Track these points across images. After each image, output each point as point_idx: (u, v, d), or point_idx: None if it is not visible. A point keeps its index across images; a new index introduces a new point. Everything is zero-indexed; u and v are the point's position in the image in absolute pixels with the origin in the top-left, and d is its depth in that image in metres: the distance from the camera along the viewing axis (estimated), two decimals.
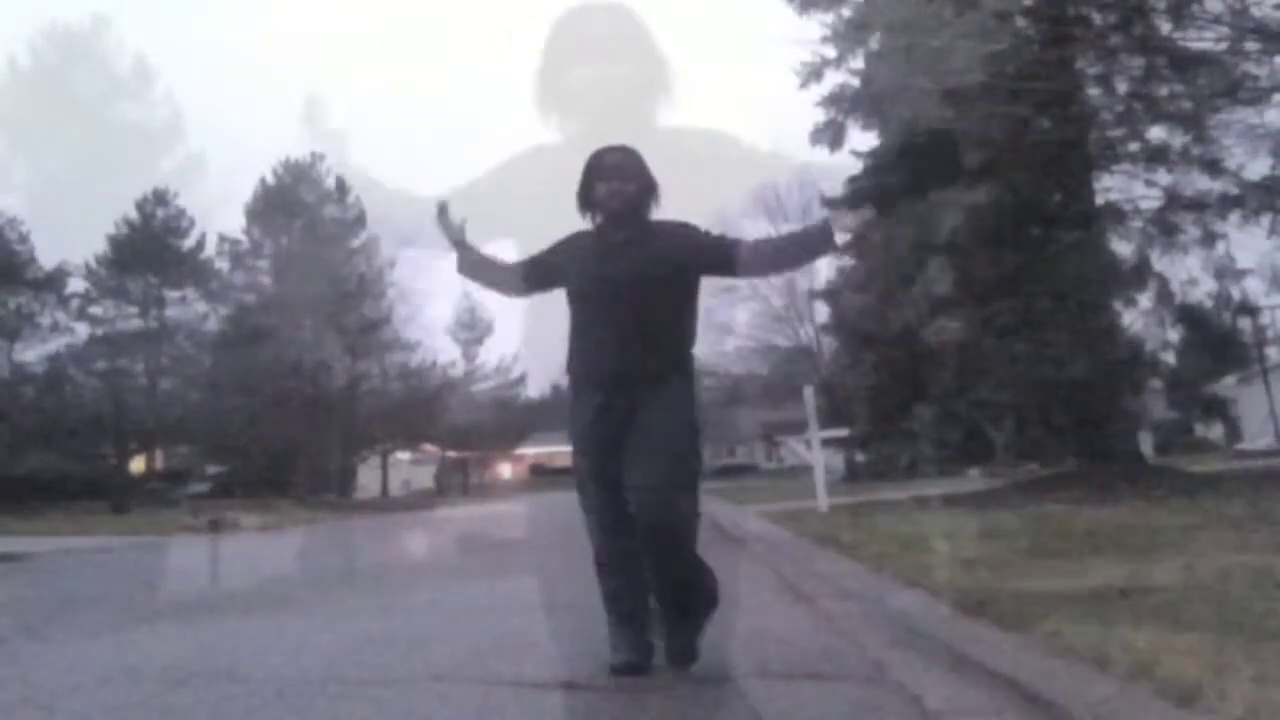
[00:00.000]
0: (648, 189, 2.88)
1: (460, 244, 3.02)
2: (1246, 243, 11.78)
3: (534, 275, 3.05)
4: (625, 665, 2.74)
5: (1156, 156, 11.52)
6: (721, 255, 2.88)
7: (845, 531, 7.04)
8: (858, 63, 13.40)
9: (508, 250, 3.22)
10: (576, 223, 2.99)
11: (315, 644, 3.86)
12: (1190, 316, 12.76)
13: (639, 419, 2.72)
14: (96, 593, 7.14)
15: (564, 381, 2.97)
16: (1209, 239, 11.89)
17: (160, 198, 34.15)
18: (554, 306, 2.98)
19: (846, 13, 13.21)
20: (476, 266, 3.09)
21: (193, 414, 31.83)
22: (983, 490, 12.67)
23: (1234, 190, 11.20)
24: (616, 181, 2.83)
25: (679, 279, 2.85)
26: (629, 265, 2.79)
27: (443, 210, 3.00)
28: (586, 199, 2.90)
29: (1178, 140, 11.34)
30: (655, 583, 2.75)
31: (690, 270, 2.88)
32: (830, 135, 13.60)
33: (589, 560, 2.89)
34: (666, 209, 2.95)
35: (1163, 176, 11.80)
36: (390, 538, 14.20)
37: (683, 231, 2.89)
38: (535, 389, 48.92)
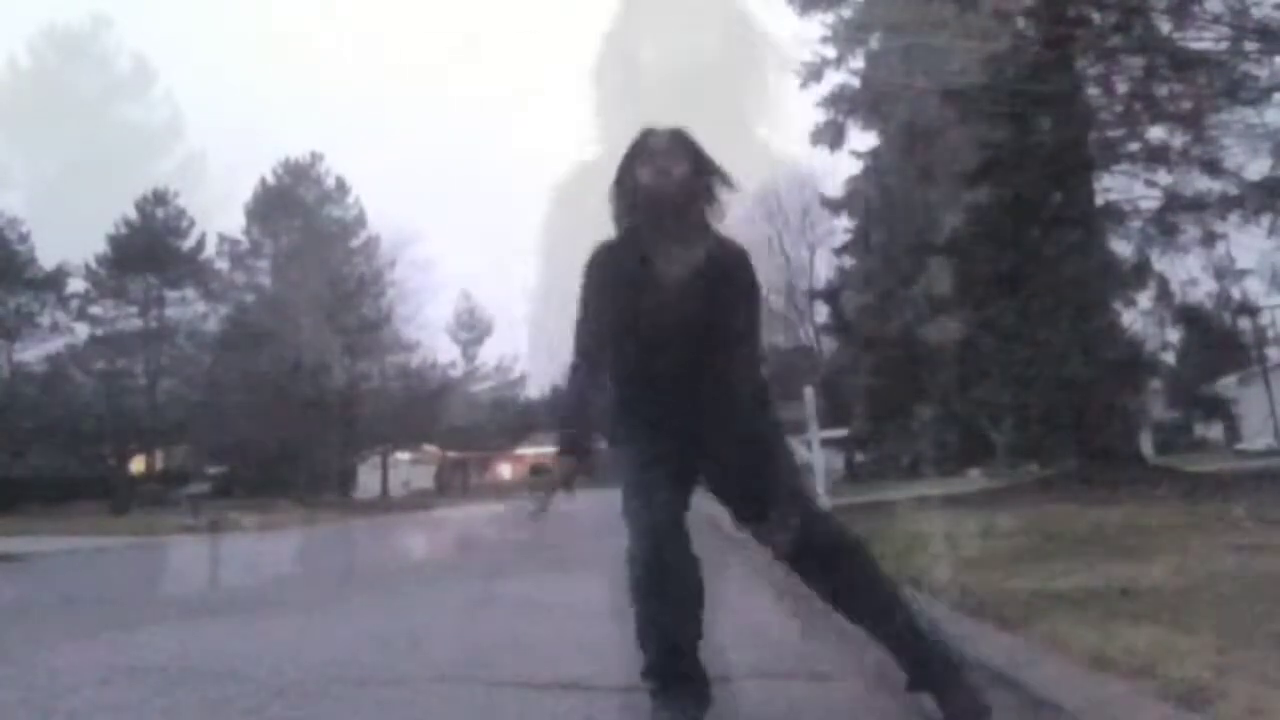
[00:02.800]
0: (704, 173, 2.27)
1: (564, 445, 2.31)
2: (1246, 243, 11.79)
3: (596, 345, 2.29)
4: None
5: (1156, 156, 11.52)
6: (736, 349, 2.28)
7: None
8: (858, 63, 13.42)
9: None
10: None
11: (315, 644, 3.86)
12: (1190, 316, 12.76)
13: (722, 455, 2.23)
14: (96, 593, 7.13)
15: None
16: (1209, 239, 11.90)
17: (160, 198, 34.19)
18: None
19: (846, 13, 13.22)
20: (584, 432, 2.33)
21: (193, 414, 31.86)
22: (983, 490, 12.68)
23: (1234, 190, 11.19)
24: (662, 160, 2.22)
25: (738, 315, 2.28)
26: (701, 287, 2.20)
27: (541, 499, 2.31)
28: (622, 190, 2.28)
29: (1178, 140, 11.34)
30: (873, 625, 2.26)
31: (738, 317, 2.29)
32: (830, 135, 13.62)
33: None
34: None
35: (1163, 176, 11.81)
36: (390, 538, 14.20)
37: (753, 277, 2.31)
38: (535, 389, 49.00)
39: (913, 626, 2.19)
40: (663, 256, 2.23)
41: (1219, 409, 15.90)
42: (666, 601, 2.18)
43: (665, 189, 2.21)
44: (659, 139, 2.28)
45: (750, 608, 4.02)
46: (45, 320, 31.65)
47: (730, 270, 2.27)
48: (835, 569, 2.23)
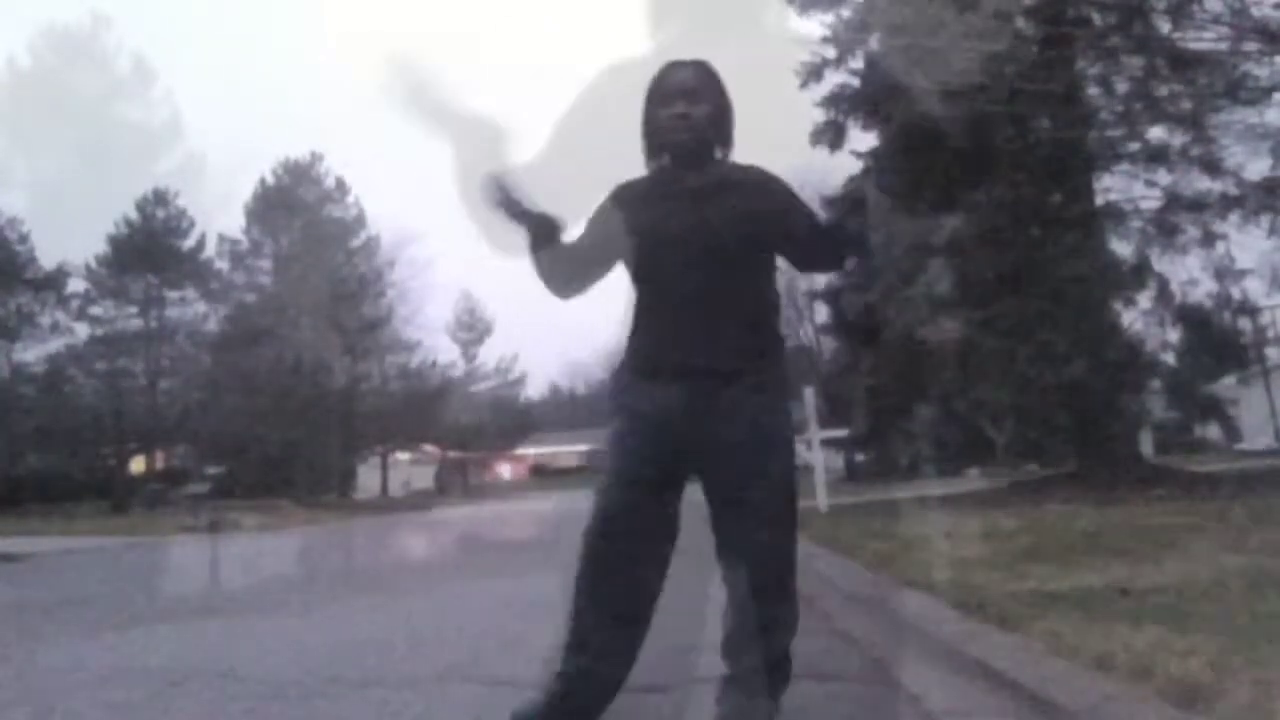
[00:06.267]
0: (721, 114, 2.22)
1: (535, 221, 2.16)
2: (1246, 243, 11.77)
3: (590, 257, 2.25)
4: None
5: (1156, 156, 11.51)
6: (809, 238, 2.25)
7: (845, 531, 7.04)
8: (858, 63, 13.40)
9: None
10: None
11: (315, 644, 3.86)
12: (1190, 316, 12.74)
13: (725, 437, 2.07)
14: (96, 593, 7.13)
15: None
16: (1209, 239, 11.88)
17: (160, 198, 34.16)
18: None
19: (846, 13, 13.22)
20: (560, 262, 2.23)
21: (193, 414, 31.84)
22: (982, 490, 12.68)
23: (1234, 190, 11.19)
24: (681, 104, 2.16)
25: (764, 241, 2.20)
26: (719, 214, 2.11)
27: (498, 186, 2.15)
28: (651, 133, 2.24)
29: (1178, 140, 11.33)
30: (743, 655, 2.17)
31: (775, 236, 2.21)
32: (830, 135, 13.60)
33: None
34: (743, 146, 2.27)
35: (1163, 176, 11.79)
36: (390, 538, 14.20)
37: (778, 187, 2.24)
38: (535, 389, 49.04)
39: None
40: (684, 184, 2.18)
41: (1219, 409, 15.88)
42: (610, 603, 2.07)
43: (684, 131, 2.17)
44: (679, 74, 2.21)
45: None
46: (45, 320, 31.60)
47: (756, 180, 2.22)
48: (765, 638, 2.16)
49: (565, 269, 2.25)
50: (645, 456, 2.08)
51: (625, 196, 2.23)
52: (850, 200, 2.24)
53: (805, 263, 2.39)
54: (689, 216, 2.12)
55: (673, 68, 2.23)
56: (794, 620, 2.23)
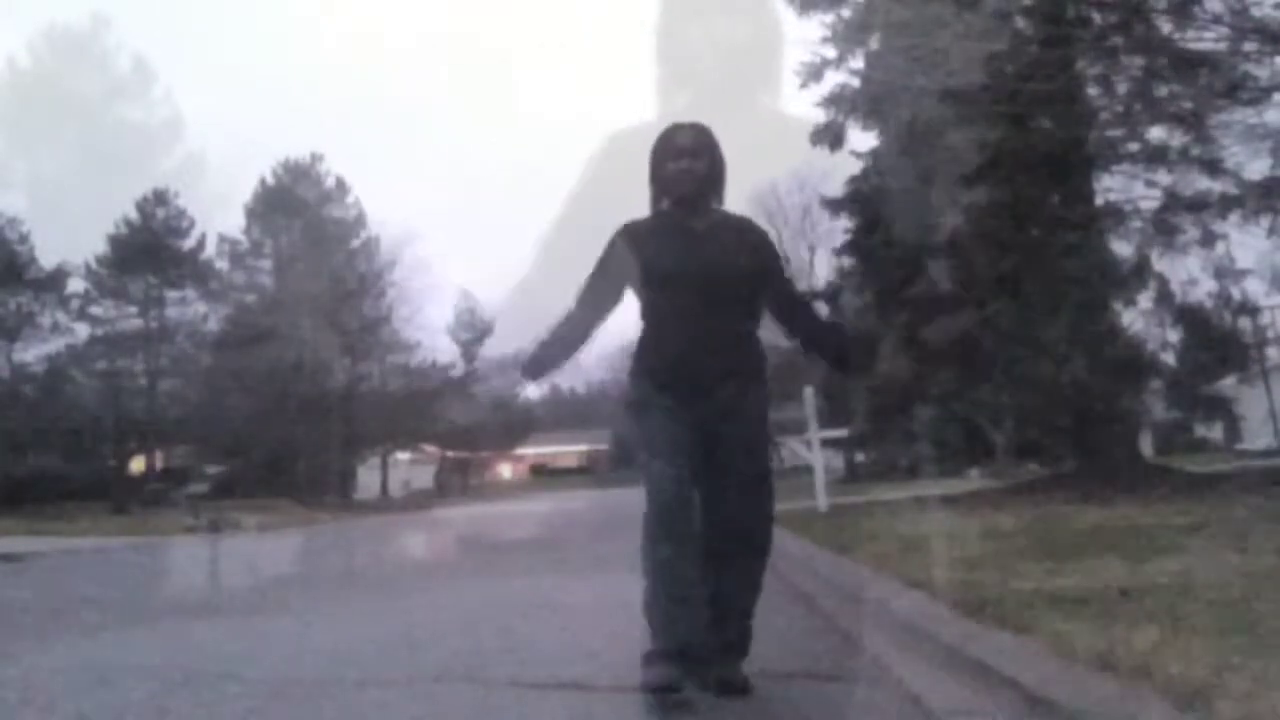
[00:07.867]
0: (718, 170, 2.70)
1: (526, 367, 2.85)
2: (1246, 243, 11.74)
3: (604, 291, 2.74)
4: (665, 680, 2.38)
5: (1156, 156, 11.49)
6: (787, 299, 2.85)
7: (845, 531, 7.04)
8: (858, 63, 13.40)
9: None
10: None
11: (315, 644, 3.86)
12: (1190, 316, 12.73)
13: (723, 434, 2.55)
14: (96, 593, 7.14)
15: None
16: (1209, 239, 11.86)
17: (160, 198, 34.16)
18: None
19: (846, 13, 13.21)
20: (547, 363, 2.85)
21: (193, 414, 31.84)
22: (982, 490, 12.67)
23: (1234, 190, 11.17)
24: (686, 160, 2.63)
25: (760, 275, 2.70)
26: (716, 251, 2.60)
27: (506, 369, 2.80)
28: (658, 181, 2.71)
29: (1178, 140, 11.30)
30: (718, 614, 2.53)
31: (764, 277, 2.73)
32: (830, 135, 13.61)
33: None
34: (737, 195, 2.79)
35: (1163, 176, 11.77)
36: (390, 539, 14.20)
37: (763, 236, 2.79)
38: (535, 389, 48.99)
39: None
40: (686, 225, 2.66)
41: (1219, 409, 15.83)
42: (683, 564, 2.44)
43: (688, 184, 2.64)
44: (683, 135, 2.67)
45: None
46: (45, 320, 31.59)
47: (748, 229, 2.75)
48: (743, 564, 2.58)
49: (568, 345, 2.82)
50: (682, 445, 2.50)
51: (635, 234, 2.69)
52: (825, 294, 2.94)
53: (784, 322, 2.85)
54: (695, 255, 2.59)
55: (678, 129, 2.68)
56: (761, 577, 2.63)
